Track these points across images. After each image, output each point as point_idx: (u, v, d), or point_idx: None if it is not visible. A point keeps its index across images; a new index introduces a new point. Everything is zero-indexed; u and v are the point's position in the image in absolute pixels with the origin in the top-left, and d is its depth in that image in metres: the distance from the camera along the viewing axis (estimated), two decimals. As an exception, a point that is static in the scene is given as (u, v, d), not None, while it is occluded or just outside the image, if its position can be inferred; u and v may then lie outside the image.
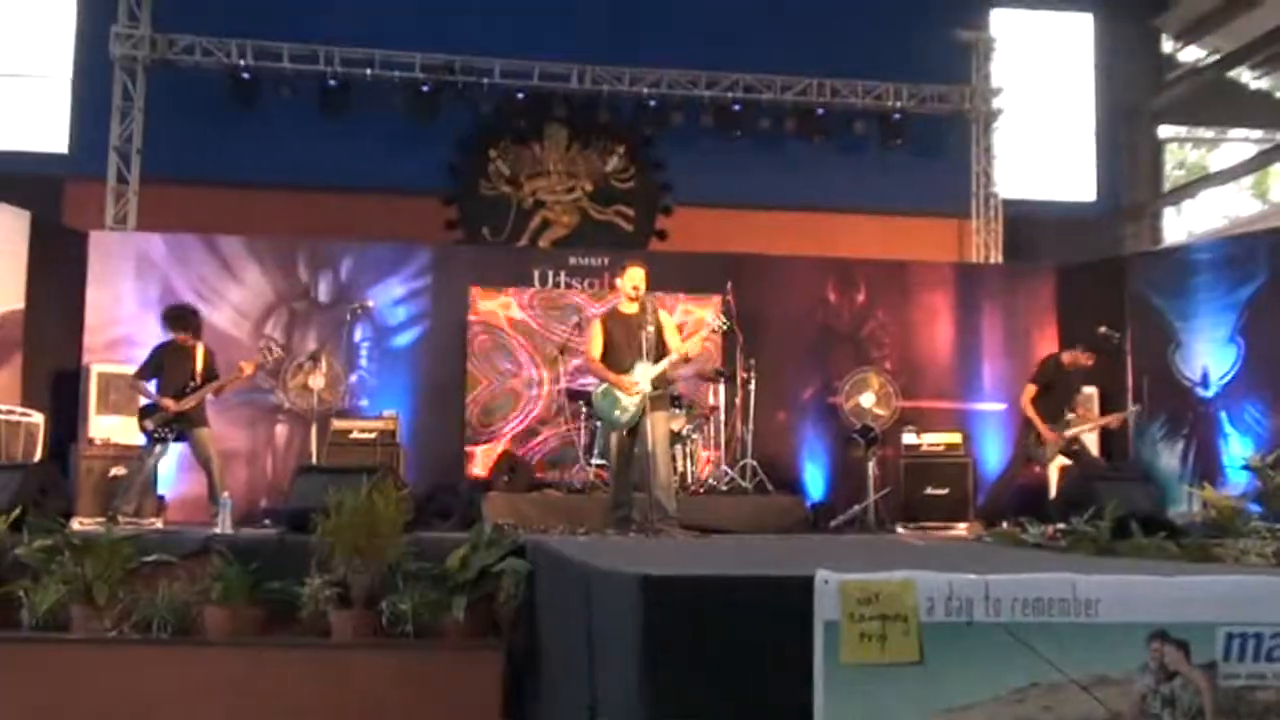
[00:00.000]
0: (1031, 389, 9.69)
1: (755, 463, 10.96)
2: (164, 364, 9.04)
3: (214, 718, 5.11)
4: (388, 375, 11.93)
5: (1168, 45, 16.07)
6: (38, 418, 10.24)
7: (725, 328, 8.92)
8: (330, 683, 5.10)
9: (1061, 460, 9.88)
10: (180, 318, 9.22)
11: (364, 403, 11.72)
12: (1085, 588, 2.22)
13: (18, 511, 6.19)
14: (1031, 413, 9.58)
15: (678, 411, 10.11)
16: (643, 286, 8.10)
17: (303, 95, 12.99)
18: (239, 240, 11.98)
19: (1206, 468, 11.28)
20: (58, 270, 11.21)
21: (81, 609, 5.40)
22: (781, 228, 13.84)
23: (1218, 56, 15.46)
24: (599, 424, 9.57)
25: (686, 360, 8.38)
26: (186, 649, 5.30)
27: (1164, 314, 12.07)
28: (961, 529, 10.40)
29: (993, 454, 12.09)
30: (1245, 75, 15.34)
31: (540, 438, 11.80)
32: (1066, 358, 9.84)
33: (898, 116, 13.90)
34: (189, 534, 6.45)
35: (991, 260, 14.07)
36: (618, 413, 7.95)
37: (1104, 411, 11.35)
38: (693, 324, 10.76)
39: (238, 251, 11.91)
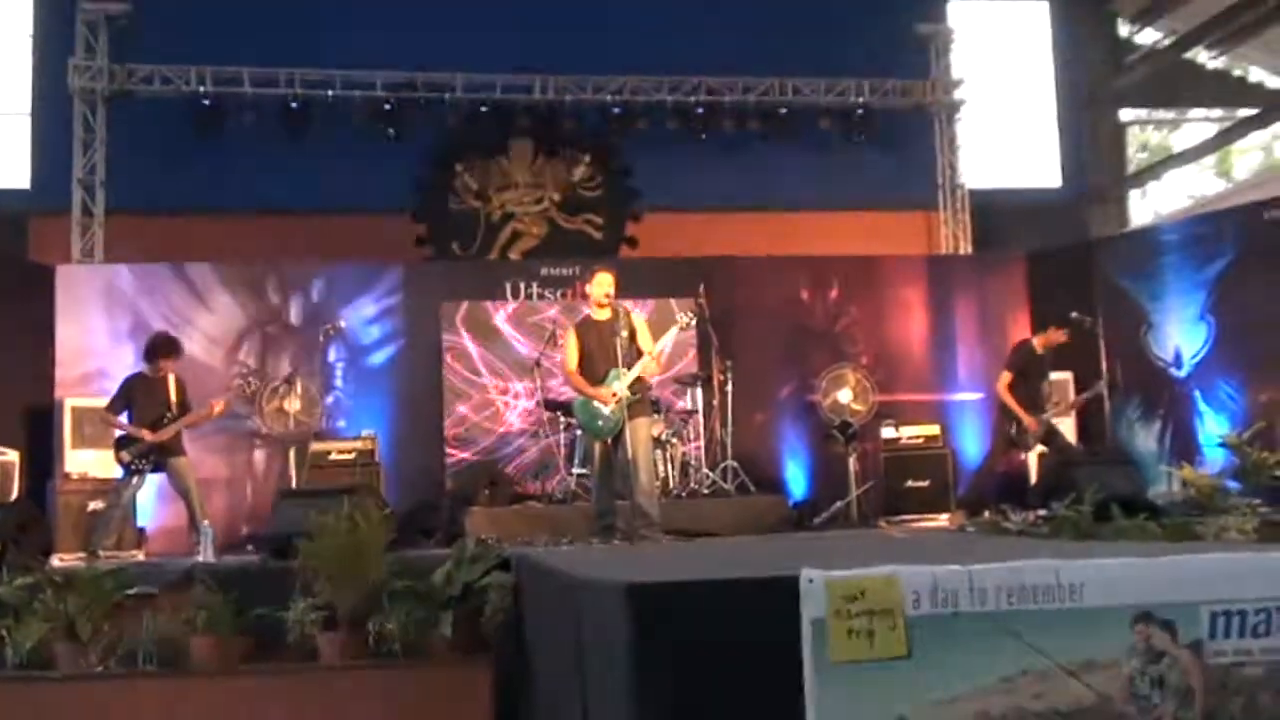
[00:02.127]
0: (1007, 376, 9.74)
1: (736, 464, 10.96)
2: (135, 396, 8.98)
3: (205, 748, 5.08)
4: (364, 395, 11.89)
5: (1124, 29, 16.18)
6: (12, 455, 10.14)
7: (687, 324, 8.87)
8: (320, 706, 5.09)
9: (1041, 448, 9.94)
10: (164, 346, 9.16)
11: (341, 423, 11.67)
12: (1068, 573, 2.22)
13: (-4, 550, 6.15)
14: (1010, 400, 9.62)
15: (658, 417, 10.11)
16: (613, 292, 8.10)
17: (265, 119, 12.91)
18: (208, 267, 11.92)
19: (1183, 447, 11.36)
20: (26, 306, 11.12)
21: (65, 646, 5.36)
22: (751, 229, 13.85)
23: (1175, 38, 15.58)
24: (579, 433, 9.57)
25: (658, 366, 8.36)
26: (174, 680, 5.28)
27: (1134, 296, 12.14)
28: (944, 520, 10.43)
29: (971, 444, 12.13)
30: (1202, 55, 15.46)
31: (520, 449, 11.77)
32: (1039, 341, 9.92)
33: (860, 112, 13.92)
34: (171, 564, 6.43)
35: (961, 251, 14.14)
36: (599, 422, 7.95)
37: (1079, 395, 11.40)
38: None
39: (207, 278, 11.85)
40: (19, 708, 5.19)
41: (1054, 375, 10.48)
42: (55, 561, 7.20)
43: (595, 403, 7.94)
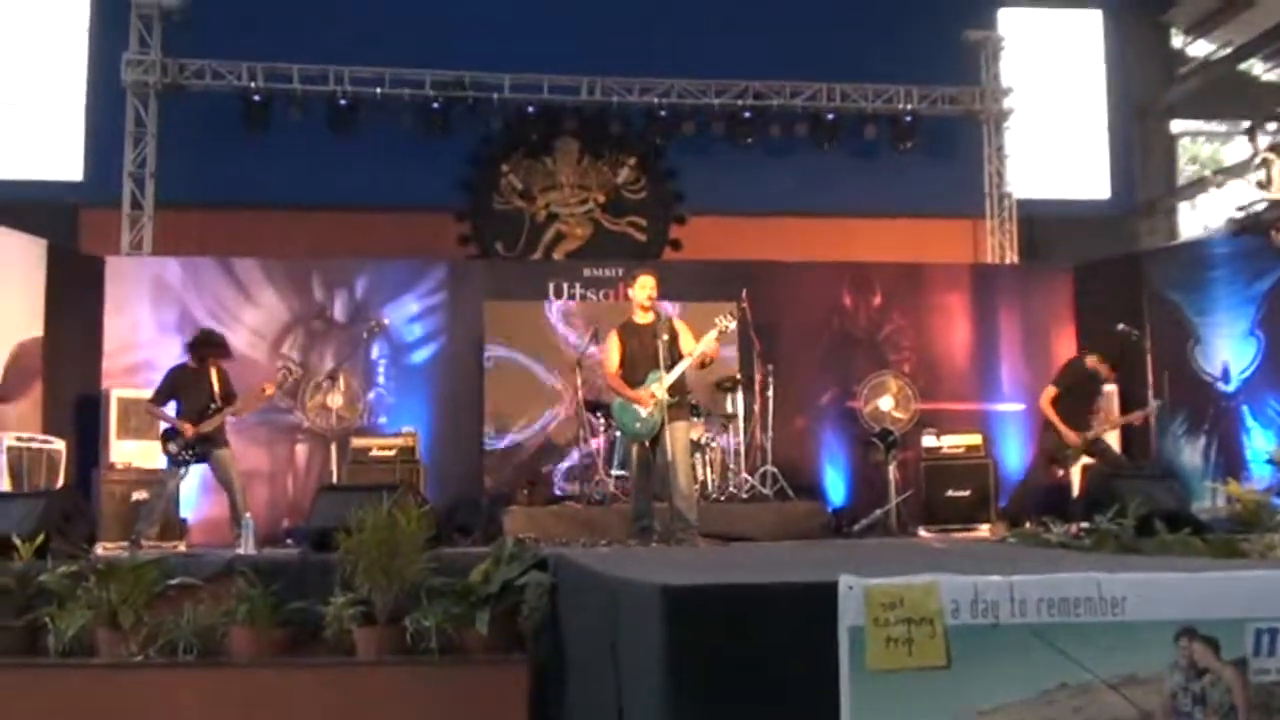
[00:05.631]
0: (1052, 391, 9.62)
1: (775, 469, 10.93)
2: (179, 387, 9.04)
3: (241, 739, 5.12)
4: (405, 392, 11.95)
5: (1178, 40, 16.02)
6: (59, 444, 10.27)
7: (727, 328, 8.80)
8: (356, 701, 5.10)
9: (1085, 460, 9.83)
10: (213, 346, 9.20)
11: (382, 420, 11.75)
12: (1111, 586, 2.20)
13: (42, 538, 6.22)
14: (1052, 415, 9.52)
15: (697, 420, 10.09)
16: (655, 295, 8.09)
17: (314, 116, 13.03)
18: (254, 262, 12.03)
19: (1229, 463, 11.22)
20: (75, 297, 11.26)
21: (107, 633, 5.41)
22: (795, 233, 13.83)
23: (1228, 50, 15.40)
24: (618, 435, 9.57)
25: (703, 365, 8.33)
26: (212, 671, 5.31)
27: (1182, 309, 12.01)
28: (984, 530, 10.36)
29: (1013, 454, 12.05)
30: (1257, 68, 15.28)
31: (560, 450, 11.79)
32: (1090, 361, 9.72)
33: (909, 119, 13.87)
34: (212, 556, 6.47)
35: (1007, 260, 14.04)
36: (637, 424, 7.94)
37: (1124, 409, 11.28)
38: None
39: (253, 273, 11.96)
40: (60, 694, 5.24)
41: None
42: (99, 550, 7.27)
43: (634, 405, 7.94)
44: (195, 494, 10.39)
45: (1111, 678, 2.16)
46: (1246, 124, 16.11)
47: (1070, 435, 9.40)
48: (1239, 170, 15.58)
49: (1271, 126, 11.43)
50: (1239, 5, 14.61)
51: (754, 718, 2.39)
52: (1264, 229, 10.73)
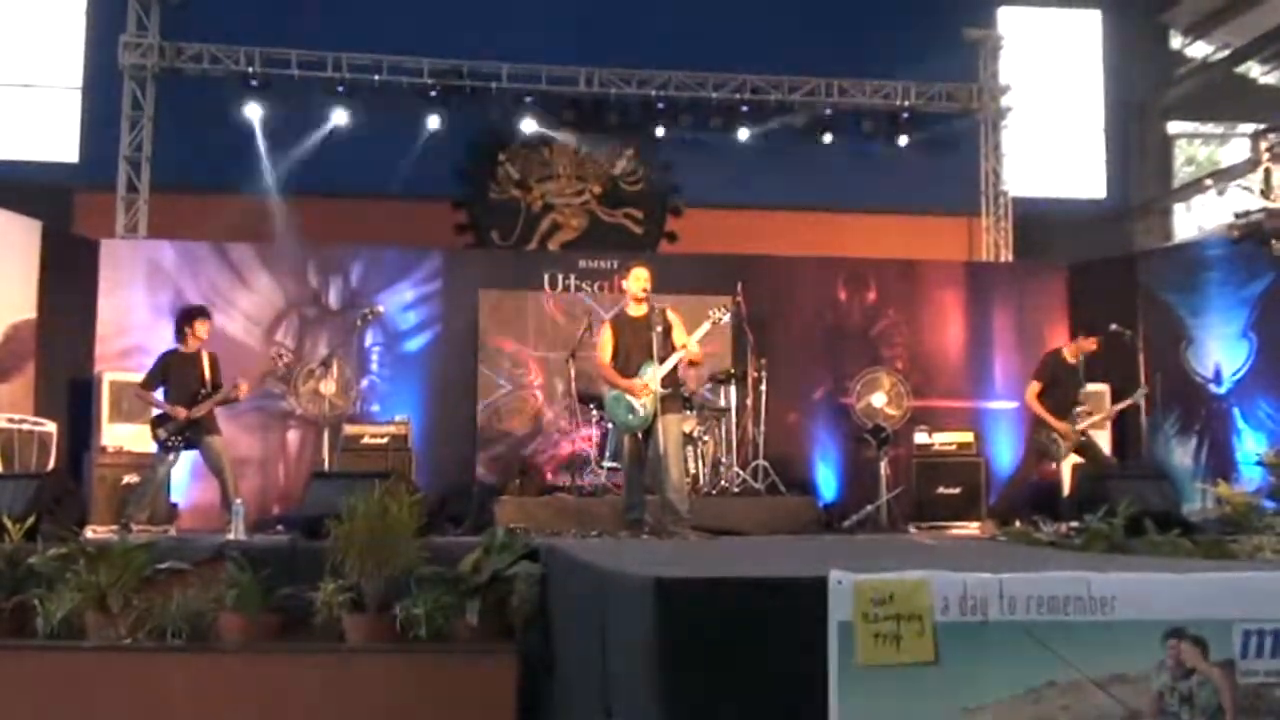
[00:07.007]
0: (1035, 386, 9.69)
1: (767, 464, 10.94)
2: (170, 372, 9.03)
3: (229, 724, 5.11)
4: (399, 380, 11.94)
5: (1176, 41, 16.03)
6: (51, 427, 10.25)
7: (720, 320, 8.83)
8: (344, 688, 5.10)
9: (1074, 458, 9.86)
10: (190, 314, 9.19)
11: (375, 408, 11.74)
12: (1100, 585, 2.21)
13: (32, 520, 6.21)
14: (1039, 408, 9.57)
15: (689, 413, 10.11)
16: (649, 287, 8.10)
17: (311, 101, 12.97)
18: (249, 247, 12.00)
19: (1220, 464, 11.26)
20: (69, 279, 11.24)
21: (96, 617, 5.40)
22: (791, 228, 13.82)
23: (1226, 51, 15.41)
24: (611, 426, 9.57)
25: (693, 363, 8.35)
26: (201, 656, 5.30)
27: (1175, 310, 12.04)
28: (974, 528, 10.38)
29: (1005, 453, 12.06)
30: (1254, 70, 15.30)
31: (552, 441, 11.79)
32: (1069, 351, 9.84)
33: (906, 115, 13.86)
34: (202, 541, 6.47)
35: (1002, 258, 14.04)
36: (630, 416, 7.95)
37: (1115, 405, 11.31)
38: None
39: (248, 258, 11.93)
40: (49, 676, 5.24)
41: (1091, 387, 10.39)
42: (89, 533, 7.26)
43: (627, 397, 7.95)
44: (186, 479, 10.37)
45: (1099, 676, 2.17)
46: (1243, 126, 16.16)
47: (1062, 426, 9.46)
48: (1235, 173, 15.61)
49: (1274, 135, 11.45)
50: (1238, 7, 14.62)
51: (743, 711, 2.39)
52: (1265, 238, 10.79)
